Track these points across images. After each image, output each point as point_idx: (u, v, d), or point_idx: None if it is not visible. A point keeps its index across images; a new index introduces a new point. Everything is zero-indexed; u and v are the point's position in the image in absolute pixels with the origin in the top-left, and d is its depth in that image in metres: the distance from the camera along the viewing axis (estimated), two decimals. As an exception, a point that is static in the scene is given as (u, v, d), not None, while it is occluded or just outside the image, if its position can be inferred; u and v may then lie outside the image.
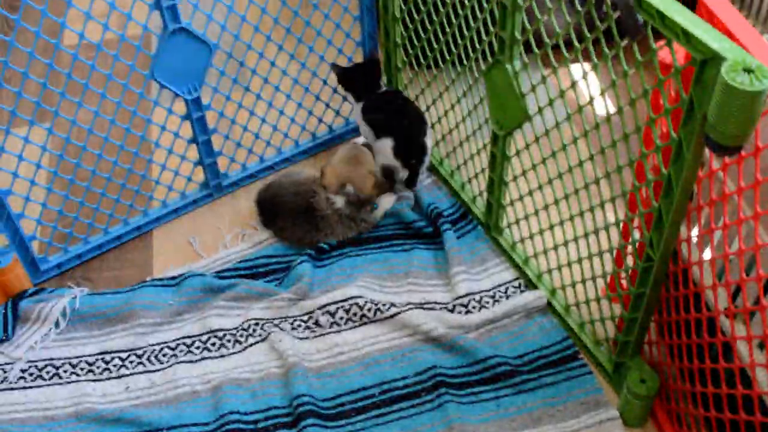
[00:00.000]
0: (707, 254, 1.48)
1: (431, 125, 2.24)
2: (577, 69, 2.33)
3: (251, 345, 1.93)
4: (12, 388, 1.88)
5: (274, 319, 1.97)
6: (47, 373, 1.91)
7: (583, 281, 1.83)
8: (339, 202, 2.10)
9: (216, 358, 1.91)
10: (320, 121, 2.39)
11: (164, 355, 1.93)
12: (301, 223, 2.10)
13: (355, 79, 2.20)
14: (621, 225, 1.67)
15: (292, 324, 1.96)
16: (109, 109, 2.02)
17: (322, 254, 2.11)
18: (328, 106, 2.36)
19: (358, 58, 2.30)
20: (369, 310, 1.95)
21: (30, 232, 2.04)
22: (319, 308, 1.96)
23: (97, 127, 1.99)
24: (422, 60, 2.19)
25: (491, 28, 1.78)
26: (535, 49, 1.66)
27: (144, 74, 1.95)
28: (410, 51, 2.22)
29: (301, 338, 1.93)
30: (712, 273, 1.42)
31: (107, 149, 2.04)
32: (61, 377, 1.90)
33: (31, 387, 1.88)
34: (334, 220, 2.10)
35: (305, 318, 1.96)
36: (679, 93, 1.29)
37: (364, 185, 2.10)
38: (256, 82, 2.18)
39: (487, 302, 1.97)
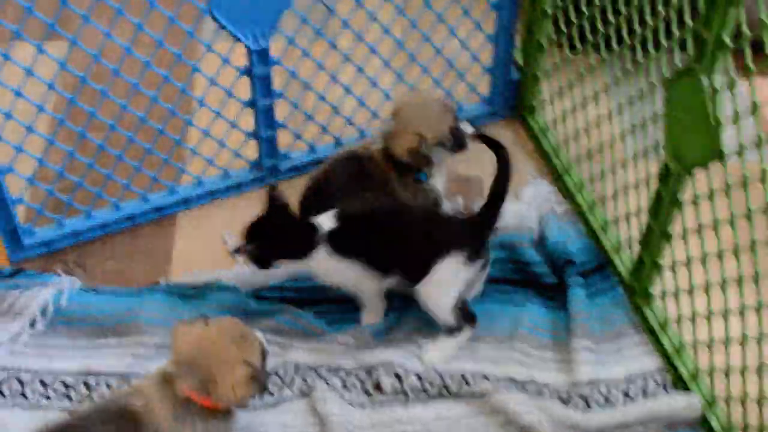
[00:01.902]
0: None
1: (576, 131, 2.14)
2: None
3: (286, 401, 1.81)
4: (-41, 401, 1.82)
5: (320, 367, 1.85)
6: (9, 389, 1.82)
7: (761, 398, 1.63)
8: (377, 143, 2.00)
9: (239, 409, 1.82)
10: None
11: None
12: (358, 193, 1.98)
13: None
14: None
15: (343, 381, 1.83)
16: (146, 44, 1.93)
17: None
18: (437, 83, 2.24)
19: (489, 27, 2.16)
20: (452, 379, 1.81)
21: (16, 193, 1.97)
22: (383, 366, 1.82)
23: (126, 66, 1.89)
24: (577, 42, 2.08)
25: (688, 21, 1.65)
26: (750, 64, 1.49)
27: (199, 6, 1.85)
28: (562, 27, 2.10)
29: (353, 404, 1.80)
30: None
31: (135, 99, 1.95)
32: (26, 397, 1.82)
33: (-17, 404, 1.80)
34: (391, 177, 1.98)
35: (363, 375, 1.83)
36: None
37: (402, 138, 1.93)
38: (345, 38, 2.07)
39: (617, 398, 1.82)
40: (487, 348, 1.90)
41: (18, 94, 1.82)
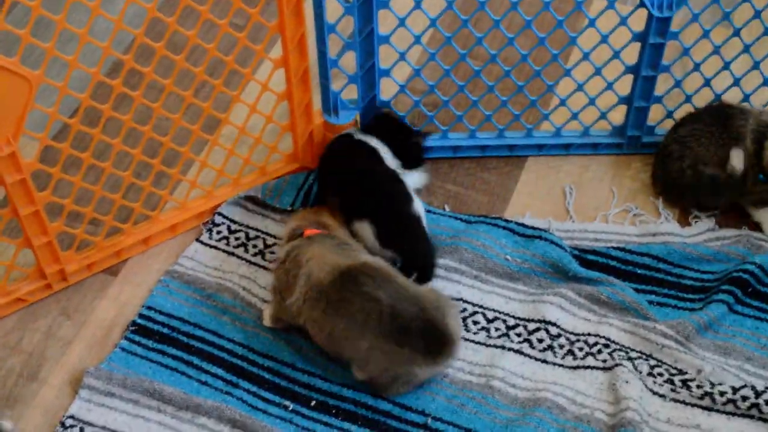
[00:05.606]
0: None
1: None
2: None
3: (587, 367, 1.76)
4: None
5: (631, 349, 1.78)
6: None
7: None
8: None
9: (536, 360, 1.78)
10: None
11: (475, 324, 1.82)
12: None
13: None
14: None
15: (651, 368, 1.75)
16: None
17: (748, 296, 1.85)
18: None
19: None
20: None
21: (387, 96, 2.01)
22: (700, 372, 1.72)
23: (524, 4, 1.87)
24: None
25: None
26: None
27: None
28: None
29: (655, 392, 1.72)
30: None
31: (523, 36, 1.92)
32: None
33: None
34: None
35: (674, 371, 1.74)
36: None
37: None
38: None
39: None
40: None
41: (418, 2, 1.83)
